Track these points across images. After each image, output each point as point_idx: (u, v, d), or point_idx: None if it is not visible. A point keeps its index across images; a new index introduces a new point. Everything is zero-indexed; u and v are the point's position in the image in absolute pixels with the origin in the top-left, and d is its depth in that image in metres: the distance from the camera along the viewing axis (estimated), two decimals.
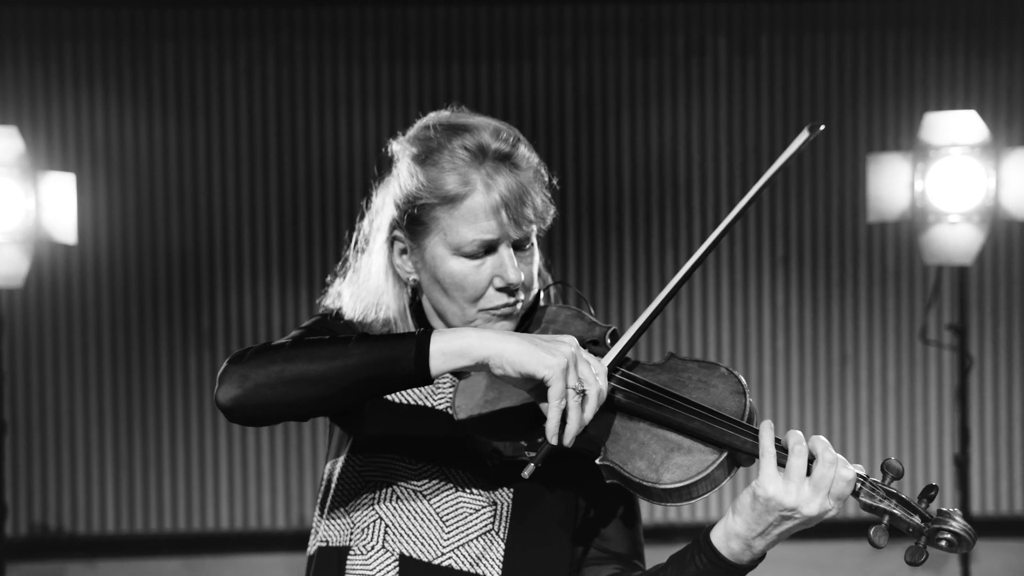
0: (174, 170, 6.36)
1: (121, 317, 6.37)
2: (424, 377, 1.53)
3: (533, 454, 1.53)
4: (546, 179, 1.77)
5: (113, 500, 6.37)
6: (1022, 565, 6.08)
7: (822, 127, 1.66)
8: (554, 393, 1.50)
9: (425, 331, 1.56)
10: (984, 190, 4.18)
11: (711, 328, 6.55)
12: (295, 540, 6.23)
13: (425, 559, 1.63)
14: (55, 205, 3.81)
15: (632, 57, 6.55)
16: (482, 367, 1.54)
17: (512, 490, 1.66)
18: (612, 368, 1.58)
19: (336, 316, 1.78)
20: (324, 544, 1.70)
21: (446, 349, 1.53)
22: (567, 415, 1.50)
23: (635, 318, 1.65)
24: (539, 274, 1.79)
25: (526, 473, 1.52)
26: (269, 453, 6.48)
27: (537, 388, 1.53)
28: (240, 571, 6.12)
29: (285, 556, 6.14)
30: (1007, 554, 6.22)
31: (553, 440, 1.50)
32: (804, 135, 1.62)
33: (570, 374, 1.51)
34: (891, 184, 4.07)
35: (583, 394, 1.51)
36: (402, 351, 1.53)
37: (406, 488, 1.67)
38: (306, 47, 6.49)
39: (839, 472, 1.51)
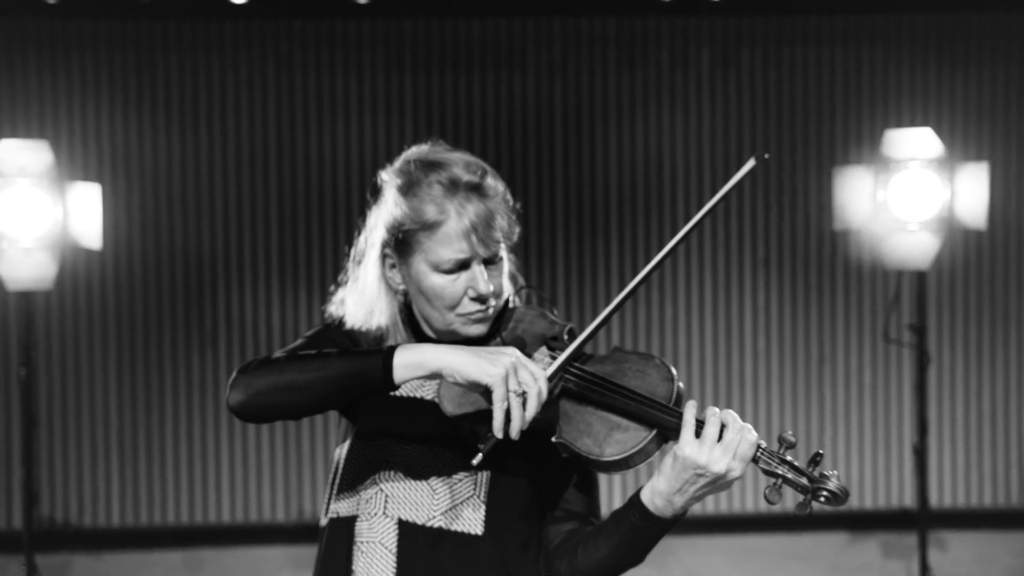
0: (177, 177, 6.39)
1: (127, 318, 6.38)
2: (389, 385, 1.80)
3: (483, 445, 1.77)
4: (511, 203, 1.98)
5: (119, 494, 6.37)
6: (989, 554, 6.16)
7: (766, 156, 1.87)
8: (496, 396, 1.75)
9: (391, 347, 1.82)
10: (940, 201, 4.32)
11: (694, 327, 6.57)
12: (294, 532, 6.31)
13: (419, 522, 1.89)
14: (82, 213, 3.90)
15: (619, 68, 6.59)
16: (437, 376, 1.79)
17: (485, 466, 1.88)
18: (566, 364, 1.82)
19: (338, 325, 2.01)
20: (335, 516, 1.95)
21: (406, 362, 1.80)
22: (511, 413, 1.74)
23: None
24: (512, 278, 2.02)
25: (475, 462, 1.77)
26: (269, 448, 6.49)
27: (485, 392, 1.77)
28: (241, 562, 6.13)
29: (285, 548, 6.18)
30: (973, 544, 6.31)
31: (499, 435, 1.75)
32: (750, 164, 1.83)
33: (510, 380, 1.75)
34: (856, 194, 4.18)
35: (524, 396, 1.75)
36: (372, 364, 1.80)
37: (401, 465, 1.91)
38: (305, 58, 6.51)
39: (745, 436, 1.76)
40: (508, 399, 1.74)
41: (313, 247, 6.53)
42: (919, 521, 4.74)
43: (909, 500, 6.47)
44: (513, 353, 1.79)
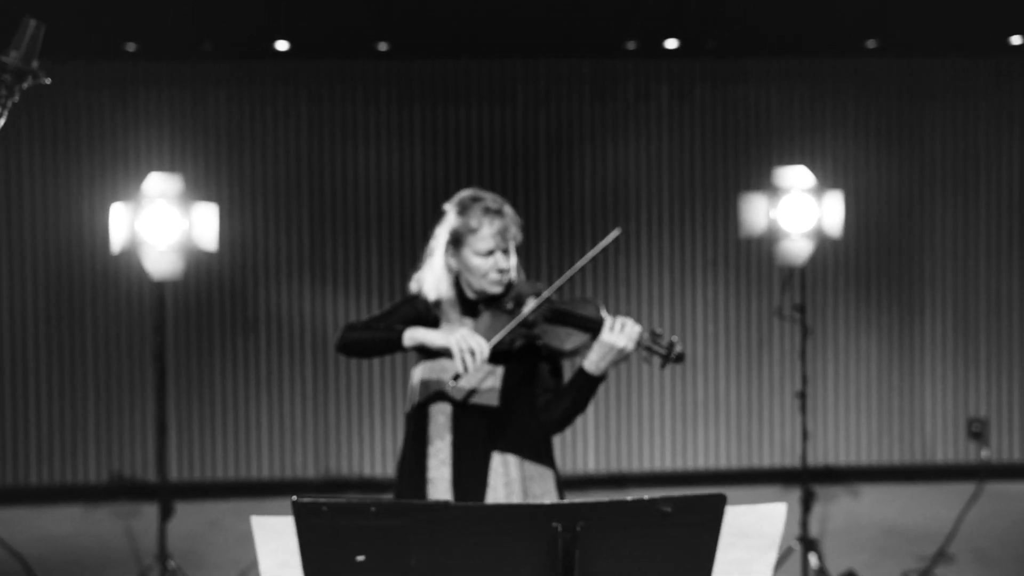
0: (225, 191, 6.90)
1: (183, 310, 6.91)
2: (402, 348, 3.12)
3: (453, 378, 3.02)
4: (518, 220, 3.26)
5: (176, 453, 6.94)
6: (891, 498, 6.84)
7: (619, 230, 3.14)
8: (454, 353, 3.01)
9: (404, 327, 3.10)
10: (815, 217, 5.11)
11: (655, 316, 7.11)
12: (322, 487, 6.95)
13: (461, 400, 3.11)
14: (202, 225, 4.89)
15: (592, 101, 7.12)
16: (424, 346, 3.09)
17: (501, 364, 3.14)
18: (542, 303, 3.06)
19: (416, 295, 3.27)
20: (415, 405, 3.17)
21: (409, 337, 3.09)
22: (465, 362, 2.98)
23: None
24: (516, 266, 3.25)
25: (447, 388, 3.07)
26: (301, 416, 7.06)
27: (448, 352, 3.04)
28: (275, 510, 6.68)
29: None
30: (880, 493, 7.02)
31: (461, 371, 3.00)
32: (615, 233, 3.12)
33: (462, 344, 2.99)
34: (755, 212, 5.06)
35: (472, 353, 2.98)
36: (394, 336, 3.11)
37: (451, 371, 3.12)
38: (331, 92, 7.03)
39: (633, 328, 2.96)
40: (463, 355, 2.96)
41: (338, 250, 7.05)
42: (803, 456, 5.42)
43: (832, 458, 7.21)
44: (463, 332, 2.98)
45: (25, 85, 2.00)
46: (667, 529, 1.69)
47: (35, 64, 2.01)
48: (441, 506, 1.74)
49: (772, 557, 1.86)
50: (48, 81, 2.01)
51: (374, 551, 1.72)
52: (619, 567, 1.73)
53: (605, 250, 3.14)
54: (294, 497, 1.71)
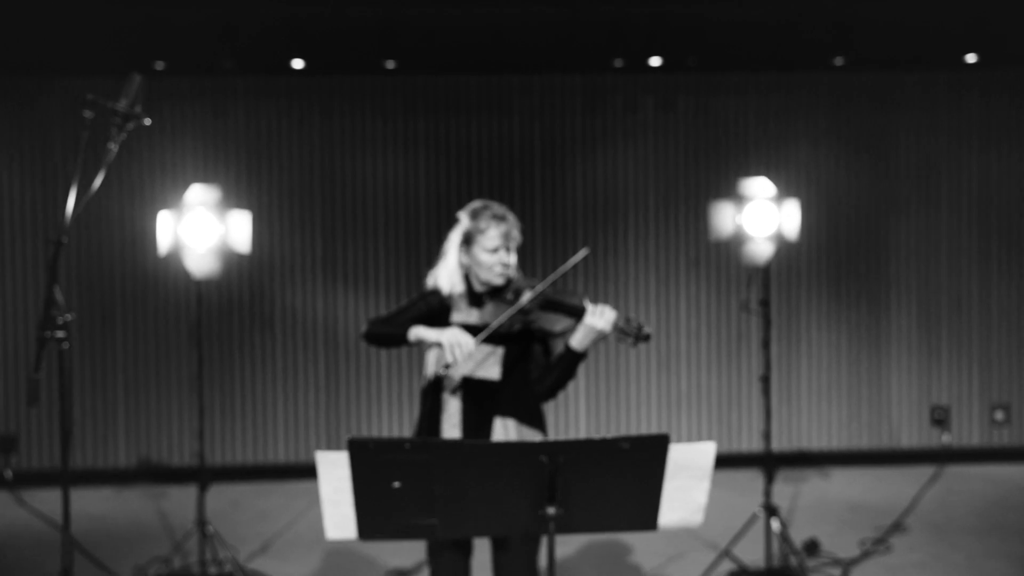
0: (244, 196, 7.14)
1: (205, 307, 7.12)
2: (407, 342, 3.61)
3: (444, 367, 3.51)
4: (519, 225, 3.75)
5: (198, 439, 6.92)
6: (854, 478, 7.12)
7: (587, 249, 3.66)
8: (445, 347, 3.48)
9: (411, 326, 3.57)
10: (776, 221, 5.37)
11: (641, 311, 7.32)
12: None
13: (468, 373, 3.62)
14: (236, 230, 5.26)
15: (583, 113, 7.34)
16: (422, 342, 3.57)
17: (502, 345, 3.62)
18: (536, 295, 3.57)
19: (433, 289, 3.79)
20: (430, 382, 3.71)
21: (414, 333, 3.53)
22: (455, 354, 3.46)
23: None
24: (515, 264, 3.76)
25: (440, 374, 3.58)
26: (315, 404, 7.30)
27: (439, 346, 3.53)
28: (291, 491, 6.90)
29: None
30: (847, 475, 7.31)
31: (450, 361, 3.48)
32: (584, 252, 3.63)
33: (452, 340, 3.40)
34: (725, 217, 5.38)
35: (460, 346, 3.45)
36: (401, 333, 3.56)
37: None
38: (342, 105, 7.27)
39: (609, 312, 3.44)
40: (452, 349, 3.44)
41: (348, 252, 7.28)
42: (766, 434, 5.65)
43: (805, 443, 7.46)
44: (455, 331, 3.42)
45: (131, 126, 2.58)
46: (626, 461, 2.26)
47: (138, 109, 2.59)
48: (458, 443, 2.31)
49: (706, 485, 2.43)
50: (148, 122, 2.59)
51: (407, 478, 2.29)
52: (591, 490, 2.31)
53: (592, 255, 3.67)
54: (349, 435, 2.27)
